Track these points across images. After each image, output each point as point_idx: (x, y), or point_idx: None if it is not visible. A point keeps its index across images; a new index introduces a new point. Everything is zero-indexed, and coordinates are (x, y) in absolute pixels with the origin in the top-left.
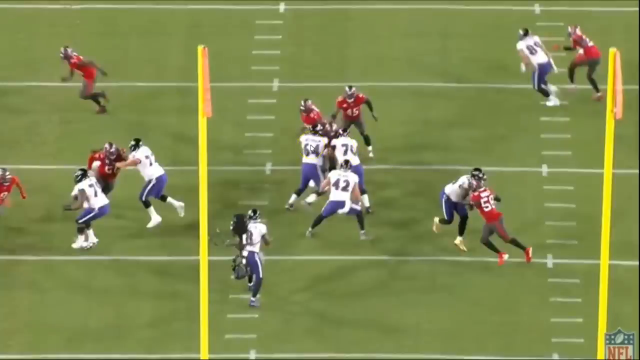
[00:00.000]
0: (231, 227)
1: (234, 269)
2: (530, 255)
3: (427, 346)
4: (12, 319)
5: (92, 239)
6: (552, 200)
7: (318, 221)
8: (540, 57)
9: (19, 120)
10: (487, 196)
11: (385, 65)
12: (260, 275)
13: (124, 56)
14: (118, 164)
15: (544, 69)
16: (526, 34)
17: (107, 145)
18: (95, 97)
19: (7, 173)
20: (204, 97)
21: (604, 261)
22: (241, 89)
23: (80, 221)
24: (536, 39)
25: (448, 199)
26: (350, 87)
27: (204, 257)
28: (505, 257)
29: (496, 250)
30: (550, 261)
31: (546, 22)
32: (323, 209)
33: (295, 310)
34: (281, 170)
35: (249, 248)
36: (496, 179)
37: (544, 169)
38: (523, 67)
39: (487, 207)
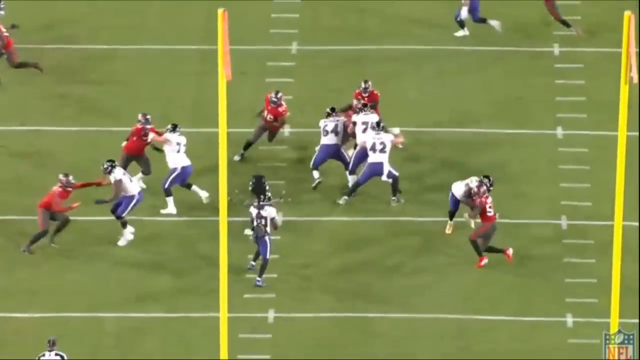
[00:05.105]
0: (250, 188)
1: (252, 230)
2: (511, 254)
3: (442, 306)
4: (34, 281)
5: (131, 229)
6: (566, 162)
7: (354, 188)
8: None
9: None
10: (491, 202)
11: (403, 28)
12: (267, 257)
13: (144, 20)
14: (153, 135)
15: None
16: None
17: (140, 117)
18: (26, 66)
19: (71, 178)
20: (223, 61)
21: (618, 222)
22: (260, 52)
23: (124, 215)
24: None
25: (453, 195)
26: (365, 82)
27: (223, 213)
28: (510, 251)
29: (500, 251)
30: (564, 222)
31: None
32: (360, 174)
33: (314, 271)
34: (300, 133)
35: (262, 213)
36: (511, 141)
37: (559, 131)
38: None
39: (490, 212)
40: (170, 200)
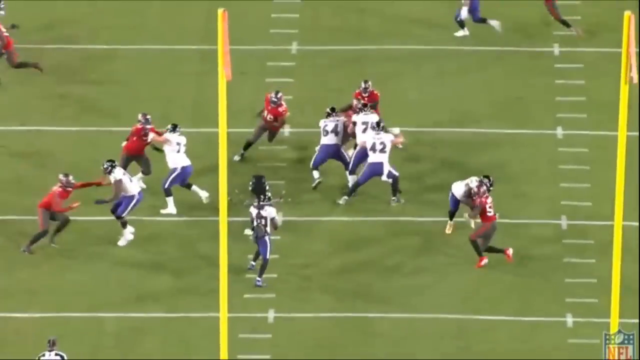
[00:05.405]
0: (250, 188)
1: (252, 230)
2: (511, 254)
3: (442, 306)
4: (34, 281)
5: (131, 229)
6: (566, 162)
7: (354, 188)
8: None
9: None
10: (491, 202)
11: (403, 28)
12: (267, 257)
13: (144, 20)
14: (153, 135)
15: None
16: None
17: (140, 117)
18: (26, 66)
19: (71, 178)
20: (223, 61)
21: (618, 222)
22: (260, 52)
23: (124, 215)
24: None
25: (453, 195)
26: (365, 82)
27: (223, 213)
28: (510, 251)
29: (500, 251)
30: (564, 222)
31: None
32: (360, 174)
33: (314, 271)
34: (300, 133)
35: (262, 213)
36: (511, 141)
37: (559, 131)
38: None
39: (490, 212)
40: (170, 200)
